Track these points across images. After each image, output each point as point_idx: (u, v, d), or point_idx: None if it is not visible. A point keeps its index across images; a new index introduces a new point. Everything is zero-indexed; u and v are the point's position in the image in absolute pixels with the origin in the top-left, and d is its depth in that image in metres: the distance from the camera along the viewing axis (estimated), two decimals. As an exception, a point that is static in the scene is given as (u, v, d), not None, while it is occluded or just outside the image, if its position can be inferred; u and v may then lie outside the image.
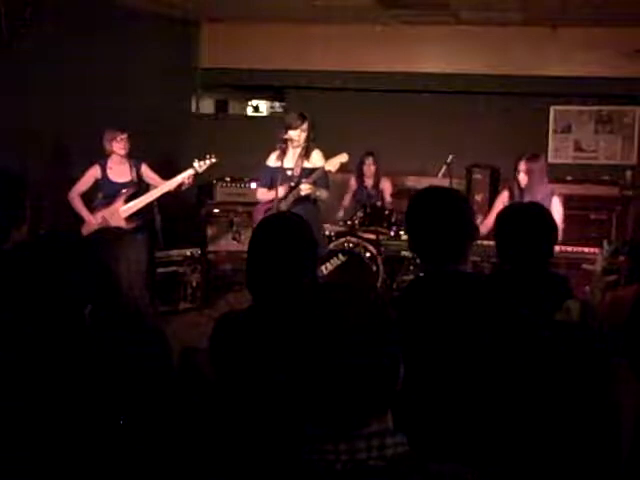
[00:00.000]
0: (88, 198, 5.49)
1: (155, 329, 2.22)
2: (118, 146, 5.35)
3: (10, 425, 1.63)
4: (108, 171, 5.40)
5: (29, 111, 5.78)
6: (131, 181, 5.45)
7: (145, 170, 5.54)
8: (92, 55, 6.51)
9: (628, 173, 7.40)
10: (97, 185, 5.43)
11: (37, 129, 5.84)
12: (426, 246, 2.02)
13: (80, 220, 5.40)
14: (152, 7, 7.03)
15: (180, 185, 5.48)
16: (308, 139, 5.13)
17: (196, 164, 5.54)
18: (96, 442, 1.68)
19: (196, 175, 5.57)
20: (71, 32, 6.30)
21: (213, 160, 5.58)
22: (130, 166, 5.45)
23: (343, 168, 5.26)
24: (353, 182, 7.05)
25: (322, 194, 5.14)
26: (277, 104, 9.87)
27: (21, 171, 5.20)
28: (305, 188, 4.99)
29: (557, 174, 6.90)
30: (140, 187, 5.50)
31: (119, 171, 5.43)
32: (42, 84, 5.96)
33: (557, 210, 4.77)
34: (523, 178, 4.85)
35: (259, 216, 5.28)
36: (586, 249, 4.98)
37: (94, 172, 5.40)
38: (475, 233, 2.09)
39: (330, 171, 5.03)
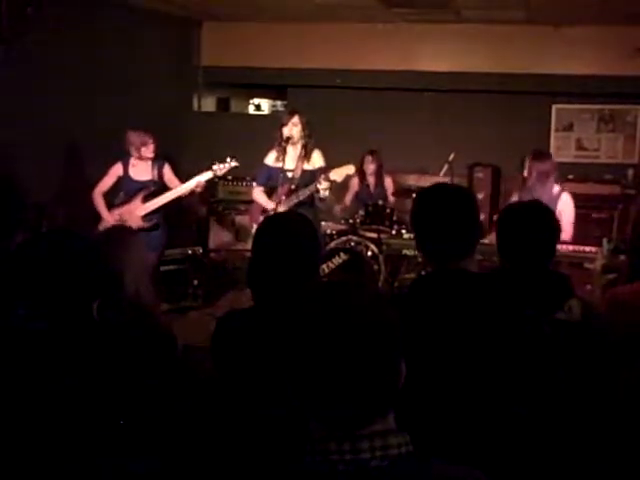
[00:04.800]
0: (110, 195, 5.49)
1: (164, 329, 2.23)
2: (147, 151, 5.36)
3: (17, 420, 1.65)
4: (130, 169, 5.41)
5: (30, 111, 5.79)
6: (151, 180, 5.44)
7: (167, 171, 5.52)
8: (93, 54, 6.52)
9: (630, 172, 7.39)
10: (118, 182, 5.44)
11: (38, 128, 5.85)
12: (433, 244, 2.02)
13: (94, 218, 5.41)
14: (154, 5, 7.04)
15: (197, 186, 5.42)
16: (305, 136, 5.11)
17: (216, 166, 5.46)
18: (96, 439, 1.69)
19: (214, 177, 5.55)
20: (72, 31, 6.30)
21: (233, 164, 5.48)
22: (152, 165, 5.45)
23: (348, 176, 5.24)
24: (355, 181, 7.04)
25: (326, 194, 5.12)
26: (279, 102, 9.87)
27: (21, 172, 5.26)
28: (324, 186, 4.91)
29: (559, 173, 6.90)
30: (159, 187, 5.50)
31: (141, 169, 5.43)
32: (43, 84, 5.96)
33: (568, 206, 4.72)
34: (528, 175, 4.81)
35: (256, 214, 5.27)
36: (588, 248, 4.97)
37: (117, 170, 5.41)
38: (481, 231, 2.09)
39: (335, 181, 4.97)
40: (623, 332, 2.38)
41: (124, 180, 5.42)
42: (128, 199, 5.40)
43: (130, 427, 1.75)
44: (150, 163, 5.44)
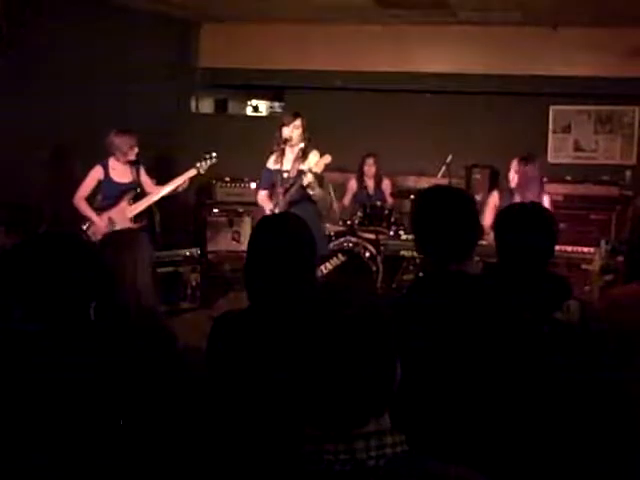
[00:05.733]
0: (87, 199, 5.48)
1: (164, 329, 2.24)
2: (132, 154, 5.36)
3: (16, 422, 1.64)
4: (111, 172, 5.39)
5: (29, 112, 5.78)
6: (133, 181, 5.45)
7: (143, 173, 5.54)
8: (92, 55, 6.52)
9: (628, 173, 7.40)
10: (98, 186, 5.42)
11: (37, 129, 5.84)
12: (433, 246, 2.01)
13: (82, 221, 5.40)
14: (152, 7, 7.03)
15: (179, 185, 5.50)
16: (304, 139, 5.10)
17: (198, 164, 5.54)
18: (97, 440, 1.68)
19: (196, 175, 5.58)
20: (70, 32, 6.30)
21: (214, 160, 5.57)
22: (131, 167, 5.46)
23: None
24: (353, 183, 7.04)
25: (316, 192, 5.10)
26: (277, 104, 9.86)
27: (20, 173, 5.26)
28: (308, 179, 4.92)
29: (557, 174, 6.91)
30: (141, 188, 5.51)
31: (121, 172, 5.42)
32: (42, 84, 5.96)
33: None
34: (513, 178, 4.81)
35: (260, 218, 5.26)
36: (586, 249, 4.98)
37: (97, 173, 5.37)
38: (481, 234, 2.09)
39: (317, 173, 4.98)
40: (620, 333, 2.38)
41: (105, 183, 5.38)
42: (111, 201, 5.39)
43: (129, 426, 1.75)
44: (128, 165, 5.43)
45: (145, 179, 5.55)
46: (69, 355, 1.71)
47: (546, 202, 4.75)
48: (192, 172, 5.50)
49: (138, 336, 2.07)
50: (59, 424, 1.65)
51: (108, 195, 5.40)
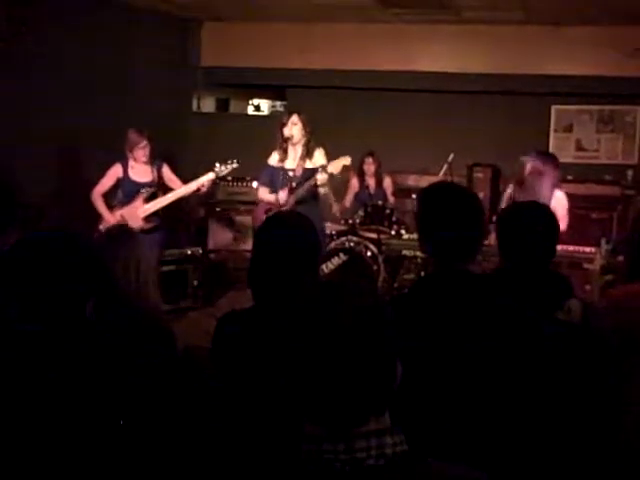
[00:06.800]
0: (107, 196, 5.49)
1: (163, 327, 2.23)
2: (139, 154, 5.34)
3: (11, 423, 1.64)
4: (130, 170, 5.41)
5: (30, 111, 5.79)
6: (152, 181, 5.45)
7: (166, 171, 5.54)
8: (93, 54, 6.52)
9: (629, 173, 7.39)
10: (118, 184, 5.44)
11: (38, 129, 5.85)
12: (438, 245, 2.01)
13: (92, 218, 5.42)
14: (153, 5, 7.04)
15: (198, 188, 5.46)
16: (307, 134, 5.11)
17: (217, 168, 5.49)
18: (96, 441, 1.68)
19: (215, 178, 5.56)
20: (72, 31, 6.30)
21: (235, 165, 5.52)
22: (152, 166, 5.46)
23: (345, 167, 5.24)
24: (355, 182, 7.04)
25: (325, 190, 5.12)
26: (278, 103, 9.87)
27: (20, 172, 5.26)
28: (323, 177, 4.91)
29: (559, 176, 6.89)
30: (159, 188, 5.50)
31: (141, 171, 5.43)
32: (42, 84, 5.96)
33: (560, 202, 4.56)
34: (524, 169, 4.64)
35: (259, 215, 5.28)
36: (587, 249, 4.97)
37: (116, 171, 5.40)
38: (486, 233, 2.08)
39: (332, 173, 4.98)
40: (620, 333, 2.38)
41: (124, 181, 5.41)
42: (129, 200, 5.40)
43: (129, 427, 1.75)
44: (150, 164, 5.44)
45: (170, 177, 5.54)
46: (68, 355, 1.70)
47: (560, 196, 4.56)
48: (211, 175, 5.45)
49: (137, 335, 2.07)
50: (58, 424, 1.64)
51: (127, 193, 5.42)
